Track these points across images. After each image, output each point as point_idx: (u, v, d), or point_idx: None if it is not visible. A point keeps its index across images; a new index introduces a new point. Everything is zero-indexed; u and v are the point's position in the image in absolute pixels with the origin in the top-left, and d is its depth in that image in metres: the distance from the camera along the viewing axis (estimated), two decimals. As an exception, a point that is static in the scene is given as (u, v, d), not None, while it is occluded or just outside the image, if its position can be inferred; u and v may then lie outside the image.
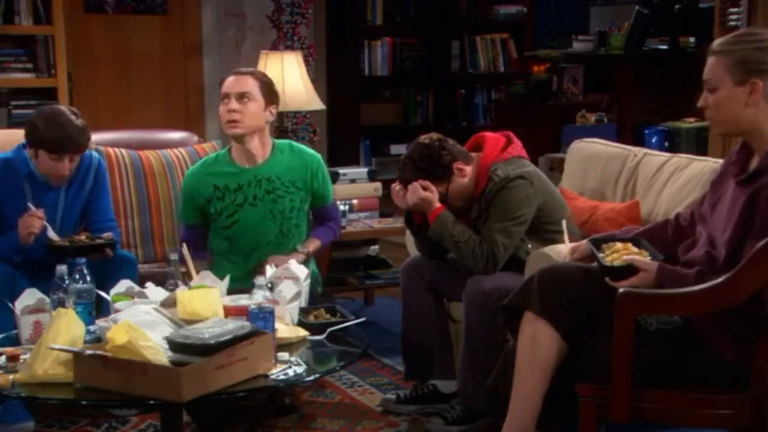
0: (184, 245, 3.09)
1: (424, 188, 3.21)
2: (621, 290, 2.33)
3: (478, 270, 3.16)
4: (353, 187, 4.57)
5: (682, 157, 3.42)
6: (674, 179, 3.33)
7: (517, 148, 3.32)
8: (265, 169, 3.46)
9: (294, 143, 3.62)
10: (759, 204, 2.29)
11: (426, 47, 7.24)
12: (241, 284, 3.02)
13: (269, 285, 2.86)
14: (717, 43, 2.44)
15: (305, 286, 3.02)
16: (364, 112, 7.05)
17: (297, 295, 2.89)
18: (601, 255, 2.53)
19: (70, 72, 5.30)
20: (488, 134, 3.37)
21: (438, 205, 3.22)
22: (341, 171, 4.57)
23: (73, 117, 3.27)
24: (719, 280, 2.28)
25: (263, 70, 4.00)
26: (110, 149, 3.99)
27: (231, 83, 3.42)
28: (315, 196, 3.56)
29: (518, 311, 2.58)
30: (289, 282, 2.93)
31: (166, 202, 4.02)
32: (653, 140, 6.17)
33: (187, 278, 3.00)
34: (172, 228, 4.00)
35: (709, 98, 2.42)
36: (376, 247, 4.74)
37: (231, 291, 2.91)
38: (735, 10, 4.92)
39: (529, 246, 3.21)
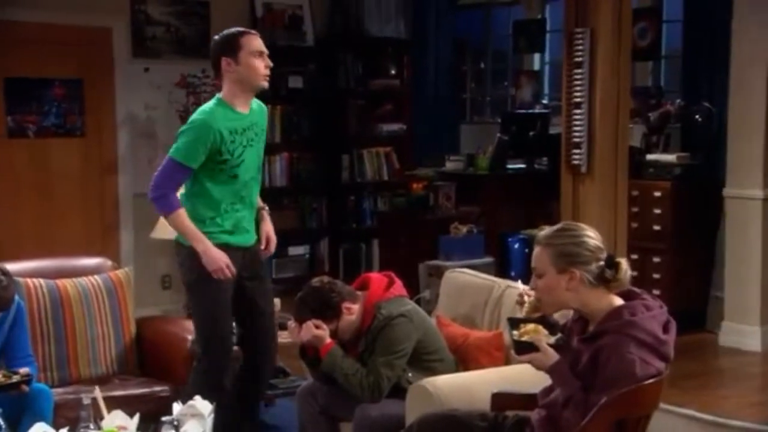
0: (96, 388, 2.97)
1: (317, 326, 3.20)
2: None
3: (364, 399, 3.14)
4: (254, 304, 4.47)
5: (538, 293, 3.48)
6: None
7: (398, 287, 3.34)
8: (252, 116, 3.49)
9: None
10: (599, 365, 2.35)
11: (319, 160, 7.27)
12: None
13: (176, 423, 2.76)
14: (542, 235, 2.51)
15: (209, 421, 2.93)
16: (264, 219, 6.99)
17: (201, 436, 2.80)
18: (514, 331, 2.56)
19: (-7, 194, 5.14)
20: (373, 275, 3.38)
21: (329, 341, 3.20)
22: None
23: (2, 278, 3.14)
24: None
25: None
26: (29, 281, 3.82)
27: (261, 44, 3.45)
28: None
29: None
30: (193, 421, 2.84)
31: (82, 328, 3.85)
32: (516, 246, 6.33)
33: (98, 418, 2.87)
34: (87, 352, 3.84)
35: (538, 283, 2.50)
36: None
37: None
38: (578, 133, 5.09)
39: (410, 375, 3.20)
